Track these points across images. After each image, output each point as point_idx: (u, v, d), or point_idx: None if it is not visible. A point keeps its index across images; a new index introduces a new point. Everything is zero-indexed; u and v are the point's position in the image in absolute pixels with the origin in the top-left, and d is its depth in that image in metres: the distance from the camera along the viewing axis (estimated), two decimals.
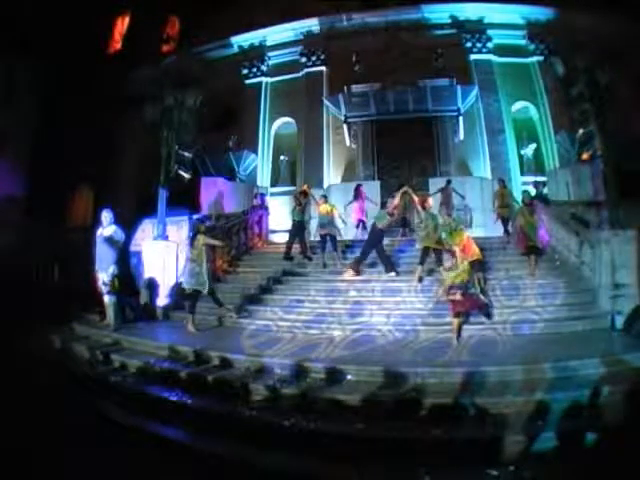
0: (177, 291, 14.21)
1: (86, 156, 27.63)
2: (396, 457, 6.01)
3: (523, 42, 25.79)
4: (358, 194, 19.97)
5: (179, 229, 18.16)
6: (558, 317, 11.56)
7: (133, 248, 16.63)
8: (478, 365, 8.34)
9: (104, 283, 12.67)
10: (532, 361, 8.43)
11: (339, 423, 6.89)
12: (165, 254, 15.69)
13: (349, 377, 8.39)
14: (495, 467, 5.70)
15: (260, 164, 26.85)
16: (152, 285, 15.20)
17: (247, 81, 28.23)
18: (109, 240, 12.77)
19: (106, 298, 12.83)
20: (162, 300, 15.05)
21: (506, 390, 7.44)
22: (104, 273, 12.65)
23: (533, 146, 24.89)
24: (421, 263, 14.01)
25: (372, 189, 20.22)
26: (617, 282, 11.64)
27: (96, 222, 13.63)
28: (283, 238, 22.02)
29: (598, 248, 12.27)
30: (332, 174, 25.72)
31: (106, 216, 13.04)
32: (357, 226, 19.87)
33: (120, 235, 13.04)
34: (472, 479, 5.76)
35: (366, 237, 16.64)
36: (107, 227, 12.97)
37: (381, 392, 7.61)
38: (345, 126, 25.42)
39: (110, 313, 12.88)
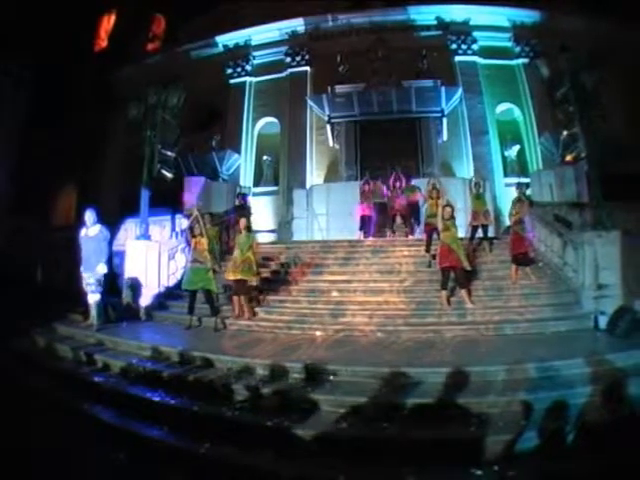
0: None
1: (70, 155, 27.52)
2: (379, 457, 5.94)
3: (509, 44, 25.90)
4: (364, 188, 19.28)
5: (162, 229, 18.07)
6: (541, 317, 11.55)
7: (116, 248, 16.52)
8: (461, 365, 8.25)
9: (88, 283, 12.53)
10: (515, 361, 8.37)
11: (322, 424, 6.81)
12: (147, 254, 15.56)
13: (331, 377, 8.31)
14: (479, 467, 5.66)
15: (243, 164, 26.76)
16: (134, 285, 15.07)
17: (231, 81, 28.12)
18: (95, 240, 12.61)
19: (91, 298, 12.65)
20: (145, 300, 14.90)
21: (489, 390, 7.37)
22: (89, 273, 12.50)
23: (517, 147, 24.97)
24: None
25: (354, 189, 20.00)
26: (600, 283, 11.65)
27: (80, 221, 13.46)
28: (266, 238, 22.07)
29: (581, 249, 12.27)
30: (315, 174, 25.67)
31: (90, 216, 12.82)
32: (360, 227, 18.99)
33: (106, 234, 12.87)
34: (456, 479, 5.71)
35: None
36: (92, 227, 12.78)
37: (364, 392, 7.52)
38: (328, 126, 25.40)
39: (93, 313, 12.68)
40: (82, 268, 12.67)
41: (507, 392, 7.27)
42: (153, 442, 6.82)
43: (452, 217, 13.01)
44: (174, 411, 7.67)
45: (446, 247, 12.58)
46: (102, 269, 12.54)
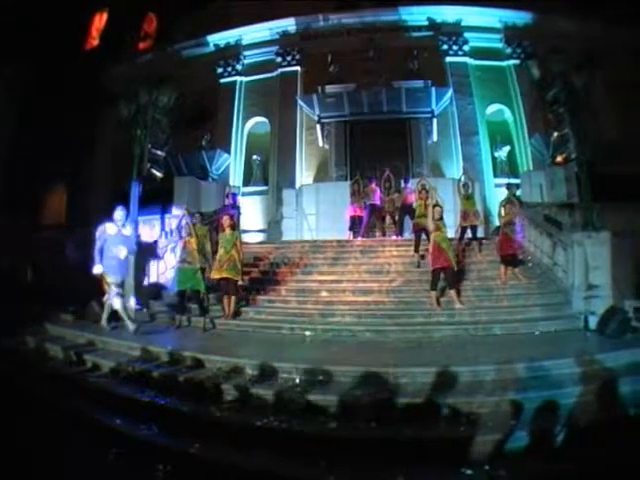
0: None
1: (59, 154, 27.40)
2: (369, 457, 5.90)
3: (500, 45, 25.91)
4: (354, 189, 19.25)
5: (151, 228, 18.00)
6: (531, 317, 11.57)
7: None
8: (451, 365, 8.22)
9: (115, 285, 11.99)
10: (505, 361, 8.35)
11: (311, 423, 6.77)
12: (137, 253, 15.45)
13: (321, 377, 8.26)
14: (469, 466, 5.62)
15: (233, 163, 26.69)
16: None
17: (222, 80, 28.03)
18: (129, 240, 12.32)
19: (116, 302, 12.03)
20: (135, 300, 14.74)
21: (479, 390, 7.35)
22: (117, 275, 12.03)
23: (507, 148, 24.98)
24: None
25: (344, 189, 20.04)
26: (590, 283, 11.66)
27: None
28: (255, 238, 22.02)
29: (571, 250, 12.27)
30: (304, 174, 25.67)
31: (121, 214, 12.27)
32: (350, 227, 19.07)
33: (135, 235, 12.63)
34: (446, 479, 5.67)
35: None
36: (125, 226, 12.35)
37: (353, 392, 7.47)
38: (318, 126, 25.40)
39: (124, 316, 12.11)
40: (103, 269, 11.93)
41: (497, 392, 7.25)
42: (142, 442, 6.76)
43: (441, 217, 12.99)
44: (164, 411, 7.61)
45: (438, 248, 12.52)
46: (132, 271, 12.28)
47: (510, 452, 5.84)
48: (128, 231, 12.36)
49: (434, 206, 13.16)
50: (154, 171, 17.01)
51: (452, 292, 12.49)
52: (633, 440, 5.84)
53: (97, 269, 11.96)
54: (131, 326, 11.77)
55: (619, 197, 14.78)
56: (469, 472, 5.53)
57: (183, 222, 13.26)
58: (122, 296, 12.28)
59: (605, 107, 20.84)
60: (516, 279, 13.66)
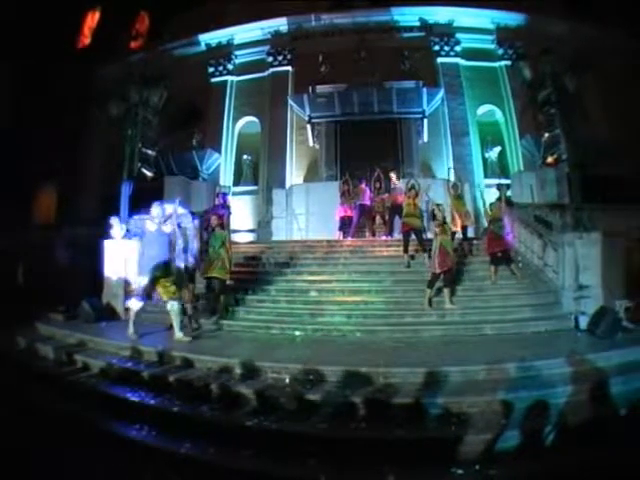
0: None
1: (50, 154, 27.27)
2: (360, 457, 5.89)
3: (492, 46, 25.89)
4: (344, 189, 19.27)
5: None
6: (522, 318, 11.60)
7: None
8: (441, 365, 8.21)
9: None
10: (495, 361, 8.34)
11: (302, 423, 6.74)
12: (127, 252, 15.31)
13: (310, 377, 8.23)
14: (460, 466, 5.60)
15: (223, 163, 26.58)
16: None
17: (213, 79, 27.89)
18: (167, 237, 11.42)
19: (134, 304, 11.52)
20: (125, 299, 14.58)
21: (470, 390, 7.34)
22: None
23: (498, 149, 24.95)
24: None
25: (334, 189, 19.99)
26: (581, 283, 11.68)
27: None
28: (245, 238, 21.98)
29: (562, 250, 12.30)
30: (295, 174, 25.59)
31: (159, 211, 11.57)
32: (340, 227, 18.95)
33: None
34: (437, 478, 5.65)
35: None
36: (166, 223, 11.50)
37: (344, 392, 7.45)
38: (309, 126, 25.32)
39: (176, 323, 11.29)
40: (138, 270, 11.45)
41: (487, 392, 7.23)
42: (132, 442, 6.75)
43: (445, 220, 13.01)
44: (153, 411, 7.59)
45: (444, 251, 12.50)
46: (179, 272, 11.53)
47: (501, 452, 5.84)
48: (168, 228, 11.54)
49: (437, 205, 13.17)
50: (145, 170, 16.94)
51: (446, 291, 12.51)
52: (623, 440, 5.84)
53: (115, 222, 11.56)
54: (131, 330, 11.38)
55: (609, 198, 14.81)
56: (460, 472, 5.52)
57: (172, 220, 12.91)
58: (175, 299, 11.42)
59: (596, 108, 20.89)
60: (513, 278, 13.70)
